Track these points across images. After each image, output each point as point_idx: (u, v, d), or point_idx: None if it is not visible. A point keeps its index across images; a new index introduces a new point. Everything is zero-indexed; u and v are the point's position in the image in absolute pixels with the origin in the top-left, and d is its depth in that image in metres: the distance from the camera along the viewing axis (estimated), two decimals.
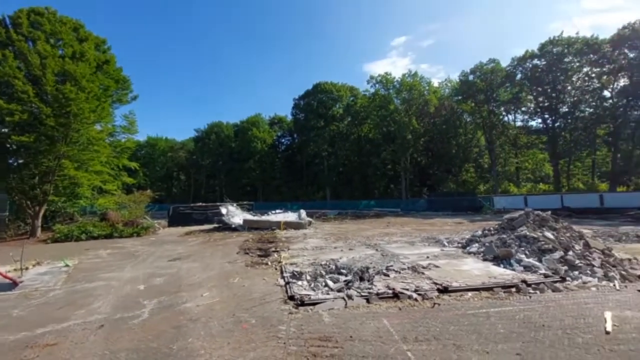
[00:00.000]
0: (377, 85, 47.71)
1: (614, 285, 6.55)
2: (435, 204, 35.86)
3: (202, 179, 66.92)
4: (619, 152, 35.06)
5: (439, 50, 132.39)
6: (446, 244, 11.42)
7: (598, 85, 35.66)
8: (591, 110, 36.38)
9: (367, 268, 7.77)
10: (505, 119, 45.62)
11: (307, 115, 54.82)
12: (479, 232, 11.10)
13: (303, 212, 23.31)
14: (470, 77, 42.05)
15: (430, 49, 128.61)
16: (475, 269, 7.69)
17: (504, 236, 9.21)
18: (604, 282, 6.71)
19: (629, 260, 8.24)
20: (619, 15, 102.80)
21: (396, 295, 5.98)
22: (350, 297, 5.93)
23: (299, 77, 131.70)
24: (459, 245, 10.88)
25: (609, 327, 4.63)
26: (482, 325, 4.73)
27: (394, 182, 51.74)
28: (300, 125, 57.38)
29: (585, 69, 35.90)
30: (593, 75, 35.60)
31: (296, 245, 12.78)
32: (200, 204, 28.59)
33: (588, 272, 7.18)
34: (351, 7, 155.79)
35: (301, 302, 5.74)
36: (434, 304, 5.62)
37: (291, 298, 6.06)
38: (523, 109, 41.98)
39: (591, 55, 34.37)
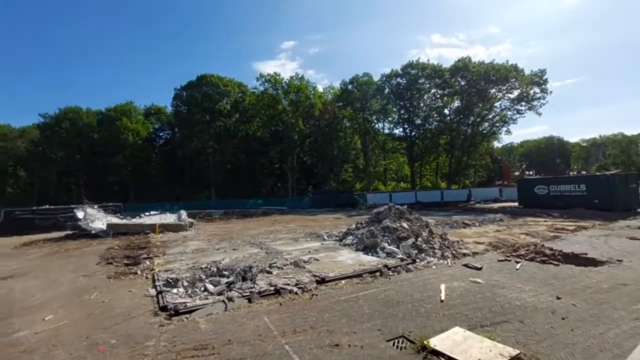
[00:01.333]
0: (266, 84, 47.74)
1: (447, 262, 8.31)
2: (319, 201, 38.33)
3: (52, 176, 53.34)
4: (453, 157, 44.81)
5: (324, 58, 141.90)
6: (326, 238, 12.34)
7: (441, 104, 44.70)
8: (436, 123, 45.34)
9: (250, 267, 7.69)
10: (377, 126, 52.37)
11: (191, 108, 50.40)
12: (354, 226, 12.41)
13: (183, 213, 21.41)
14: (349, 87, 46.60)
15: (316, 57, 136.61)
16: (349, 259, 8.57)
17: (372, 228, 10.57)
18: (441, 261, 8.43)
19: (458, 242, 10.59)
20: (455, 51, 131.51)
21: (278, 292, 6.12)
22: (231, 299, 5.75)
23: (182, 66, 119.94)
24: (337, 238, 11.91)
25: (442, 297, 5.83)
26: (352, 308, 5.29)
27: (281, 181, 52.80)
28: (182, 118, 52.29)
29: (432, 90, 44.45)
30: (438, 96, 44.43)
31: (174, 250, 11.64)
32: (47, 206, 22.96)
33: (431, 253, 8.90)
34: (243, 3, 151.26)
35: (175, 312, 5.25)
36: (312, 295, 5.99)
37: (163, 309, 5.47)
38: (389, 118, 49.12)
39: (437, 80, 42.78)
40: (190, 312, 5.27)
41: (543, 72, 38.22)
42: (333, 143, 51.05)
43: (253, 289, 6.27)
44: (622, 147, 62.96)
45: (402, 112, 45.87)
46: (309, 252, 9.76)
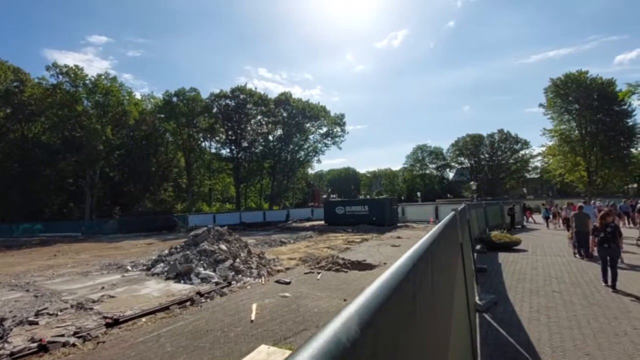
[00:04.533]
0: (61, 77, 37.23)
1: (262, 280, 8.67)
2: (128, 224, 32.42)
3: None
4: (276, 181, 48.57)
5: (145, 65, 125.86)
6: (130, 268, 10.48)
7: (266, 130, 48.09)
8: (261, 148, 48.17)
9: (2, 320, 5.51)
10: (203, 144, 50.32)
11: None
12: (166, 252, 11.13)
13: None
14: (174, 99, 43.03)
15: (136, 61, 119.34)
16: (155, 291, 7.54)
17: (188, 252, 9.81)
18: (257, 280, 8.72)
19: (274, 259, 11.30)
20: (278, 87, 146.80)
21: (44, 348, 4.62)
22: None
23: None
24: (145, 267, 10.33)
25: (253, 317, 5.98)
26: (150, 350, 4.62)
27: (75, 200, 41.46)
28: None
29: (259, 117, 47.30)
30: (263, 122, 47.63)
31: None
32: None
33: (248, 273, 9.07)
34: None
35: None
36: (98, 343, 4.85)
37: None
38: (217, 138, 48.35)
39: (262, 107, 45.94)
40: None
41: (342, 115, 48.12)
42: (151, 158, 45.16)
43: (1, 351, 4.47)
44: (390, 179, 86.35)
45: (230, 133, 46.21)
46: (103, 287, 7.97)
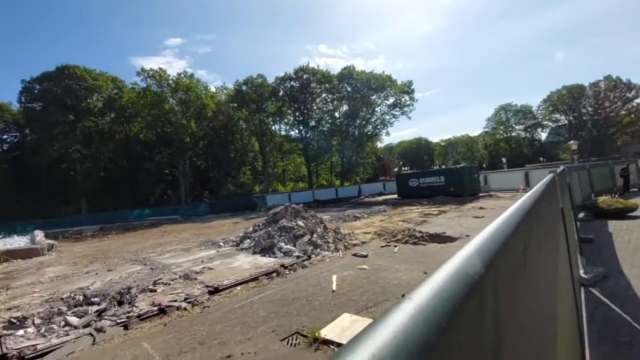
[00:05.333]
0: (149, 80, 42.40)
1: (340, 254, 8.91)
2: (216, 206, 36.29)
3: None
4: (345, 157, 48.65)
5: (216, 59, 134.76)
6: (222, 244, 11.74)
7: (332, 107, 47.94)
8: (328, 126, 48.39)
9: (129, 288, 6.72)
10: (273, 128, 52.73)
11: (47, 105, 40.69)
12: (251, 229, 12.16)
13: (39, 234, 17.34)
14: (244, 88, 45.53)
15: (208, 57, 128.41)
16: (245, 263, 8.34)
17: (269, 229, 10.55)
18: (334, 254, 8.99)
19: (349, 234, 11.48)
20: (340, 62, 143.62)
21: (163, 311, 5.50)
22: (101, 330, 4.89)
23: (35, 55, 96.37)
24: (234, 243, 11.46)
25: (334, 287, 6.21)
26: (247, 314, 5.15)
27: (172, 188, 47.90)
28: (35, 117, 41.77)
29: (323, 95, 47.26)
30: (328, 100, 47.47)
31: (23, 281, 9.27)
32: None
33: (325, 248, 9.40)
34: None
35: (20, 359, 4.17)
36: (204, 307, 5.59)
37: (2, 358, 4.28)
38: (285, 120, 50.07)
39: (326, 85, 45.66)
40: (42, 355, 4.26)
41: (410, 83, 45.04)
42: (229, 145, 49.10)
43: (131, 314, 5.48)
44: (468, 146, 79.26)
45: (297, 114, 47.35)
46: (202, 261, 9.11)
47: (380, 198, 30.35)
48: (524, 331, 0.95)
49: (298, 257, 8.52)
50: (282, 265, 7.63)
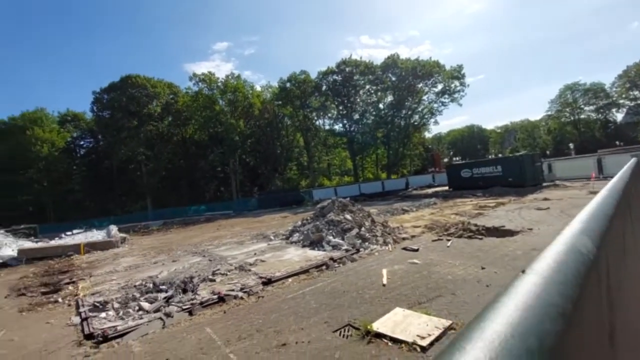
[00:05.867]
0: (200, 84, 45.23)
1: (389, 248, 8.74)
2: (265, 201, 37.68)
3: None
4: (391, 149, 47.43)
5: (259, 59, 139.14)
6: (272, 237, 12.16)
7: (376, 99, 46.92)
8: (373, 118, 47.45)
9: (192, 278, 7.25)
10: (317, 123, 53.08)
11: (115, 112, 45.51)
12: (299, 223, 12.42)
13: (114, 228, 19.46)
14: (287, 85, 46.41)
15: (252, 58, 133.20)
16: (295, 256, 8.55)
17: (317, 223, 10.68)
18: (383, 247, 8.84)
19: (398, 227, 11.21)
20: (383, 52, 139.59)
21: (222, 299, 5.85)
22: (169, 314, 5.35)
23: (101, 68, 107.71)
24: (284, 237, 11.81)
25: (384, 281, 6.11)
26: (299, 305, 5.28)
27: (224, 184, 50.79)
28: (105, 124, 46.97)
29: (367, 86, 46.38)
30: (372, 91, 46.50)
31: (102, 270, 10.48)
32: None
33: (374, 241, 9.28)
34: (168, 3, 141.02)
35: (103, 338, 4.72)
36: (259, 297, 5.85)
37: (89, 336, 4.89)
38: (329, 115, 50.14)
39: (370, 76, 44.73)
40: (121, 335, 4.78)
41: (460, 67, 42.27)
42: (275, 142, 50.52)
43: (194, 301, 5.91)
44: (528, 132, 72.55)
45: (341, 108, 47.12)
46: (255, 254, 9.52)
47: (429, 190, 29.17)
48: (633, 310, 0.90)
49: (347, 250, 8.52)
50: (331, 259, 7.69)
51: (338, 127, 50.04)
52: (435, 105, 45.23)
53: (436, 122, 47.71)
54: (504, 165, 22.01)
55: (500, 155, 69.40)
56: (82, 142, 54.08)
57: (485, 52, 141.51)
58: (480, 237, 8.58)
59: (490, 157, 66.48)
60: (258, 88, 53.51)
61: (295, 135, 52.23)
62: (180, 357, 3.95)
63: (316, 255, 8.48)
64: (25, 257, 14.61)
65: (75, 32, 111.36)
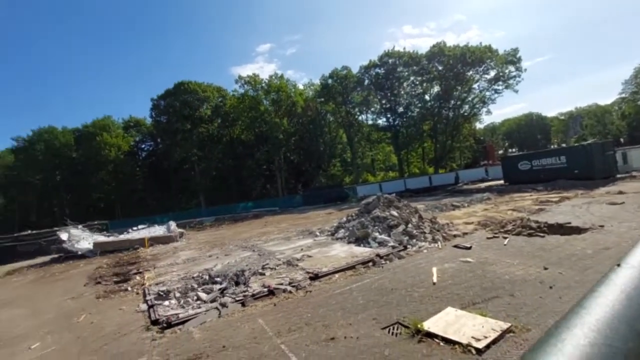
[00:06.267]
0: (245, 86, 47.18)
1: (438, 245, 8.40)
2: (310, 198, 38.27)
3: (32, 200, 51.63)
4: (438, 142, 45.34)
5: (301, 58, 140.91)
6: (318, 234, 12.32)
7: (421, 90, 45.04)
8: (418, 110, 45.70)
9: (243, 271, 7.62)
10: (360, 118, 52.48)
11: (170, 117, 49.43)
12: (344, 219, 12.43)
13: (173, 224, 21.08)
14: (329, 81, 46.45)
15: (294, 57, 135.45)
16: (341, 253, 8.58)
17: (362, 219, 10.60)
18: (432, 245, 8.52)
19: (448, 224, 10.72)
20: (428, 40, 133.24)
21: (272, 292, 6.08)
22: (224, 305, 5.68)
23: (157, 76, 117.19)
24: (329, 233, 11.90)
25: (434, 279, 5.89)
26: (347, 301, 5.30)
27: (270, 182, 52.51)
28: (162, 128, 51.26)
29: (411, 78, 44.70)
30: (417, 82, 44.72)
31: (164, 262, 11.44)
32: (29, 232, 22.28)
33: (422, 238, 8.98)
34: (215, 10, 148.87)
35: (167, 324, 5.16)
36: (307, 292, 5.97)
37: (155, 322, 5.37)
38: (372, 109, 49.24)
39: (414, 67, 43.03)
40: (182, 322, 5.18)
41: (516, 50, 38.91)
42: (319, 139, 50.97)
43: (246, 293, 6.21)
44: (598, 117, 64.75)
45: (384, 102, 46.06)
46: (302, 249, 9.73)
47: (482, 185, 27.43)
48: None
49: (393, 247, 8.35)
50: (378, 255, 7.59)
51: (381, 121, 49.00)
52: (488, 93, 42.21)
53: (489, 112, 44.52)
54: (569, 156, 19.93)
55: (564, 144, 62.98)
56: (143, 146, 59.36)
57: (543, 32, 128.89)
58: (542, 234, 7.89)
59: (552, 147, 60.61)
60: (300, 86, 54.32)
61: (338, 132, 52.20)
62: (236, 345, 4.18)
63: (362, 251, 8.43)
64: (100, 250, 16.45)
65: (138, 44, 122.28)
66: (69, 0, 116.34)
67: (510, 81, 39.60)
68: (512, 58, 38.95)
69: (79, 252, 16.32)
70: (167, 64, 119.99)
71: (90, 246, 16.78)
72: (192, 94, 50.92)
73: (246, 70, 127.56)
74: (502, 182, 24.82)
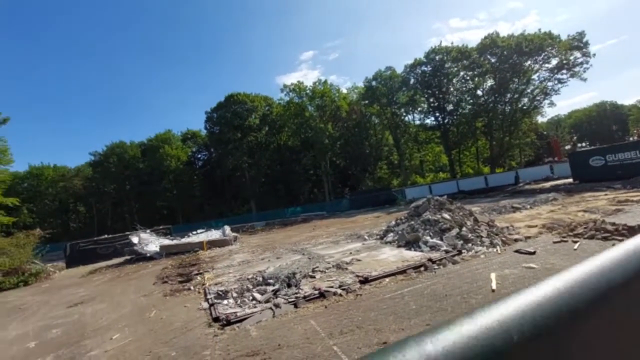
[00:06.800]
0: (290, 94, 48.65)
1: (497, 250, 7.87)
2: (357, 202, 38.05)
3: (107, 207, 58.68)
4: (494, 140, 42.35)
5: (344, 62, 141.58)
6: (366, 237, 12.23)
7: (472, 86, 42.53)
8: (470, 107, 43.18)
9: (294, 274, 7.84)
10: (406, 118, 51.11)
11: (222, 128, 52.85)
12: (393, 223, 12.18)
13: (227, 228, 22.35)
14: (373, 83, 45.99)
15: (336, 62, 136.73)
16: (391, 256, 8.43)
17: (412, 222, 10.30)
18: (490, 249, 8.01)
19: (507, 227, 9.99)
20: (477, 33, 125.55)
21: (322, 295, 6.18)
22: (278, 305, 5.92)
23: (210, 90, 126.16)
24: (378, 237, 11.75)
25: (494, 286, 5.54)
26: (398, 305, 5.21)
27: (317, 186, 53.27)
28: (215, 138, 54.96)
29: (461, 73, 42.45)
30: (467, 77, 42.34)
31: (221, 264, 12.19)
32: (106, 236, 25.15)
33: (478, 242, 8.48)
34: (260, 23, 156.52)
35: (227, 322, 5.51)
36: (357, 295, 5.98)
37: (216, 320, 5.77)
38: (419, 109, 47.64)
39: (464, 61, 40.84)
40: (240, 321, 5.50)
41: (582, 34, 35.01)
42: (364, 142, 50.58)
43: (298, 294, 6.39)
44: None
45: (432, 100, 44.33)
46: (351, 253, 9.74)
47: (547, 184, 25.06)
48: None
49: (446, 251, 8.00)
50: (430, 260, 7.33)
51: (429, 120, 47.17)
52: (550, 83, 38.45)
53: (552, 104, 40.44)
54: None
55: None
56: (199, 155, 64.03)
57: (614, 11, 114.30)
58: (620, 237, 7.00)
59: (631, 139, 53.28)
60: (344, 90, 54.52)
61: (384, 134, 51.35)
62: (290, 344, 4.34)
63: (413, 255, 8.20)
64: (165, 252, 18.00)
65: (198, 64, 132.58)
66: (147, 36, 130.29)
67: (576, 69, 35.71)
68: (578, 43, 35.13)
69: (148, 254, 18.03)
70: (220, 79, 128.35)
71: (157, 249, 18.45)
72: (242, 104, 53.81)
73: (291, 79, 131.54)
74: (570, 180, 22.46)
